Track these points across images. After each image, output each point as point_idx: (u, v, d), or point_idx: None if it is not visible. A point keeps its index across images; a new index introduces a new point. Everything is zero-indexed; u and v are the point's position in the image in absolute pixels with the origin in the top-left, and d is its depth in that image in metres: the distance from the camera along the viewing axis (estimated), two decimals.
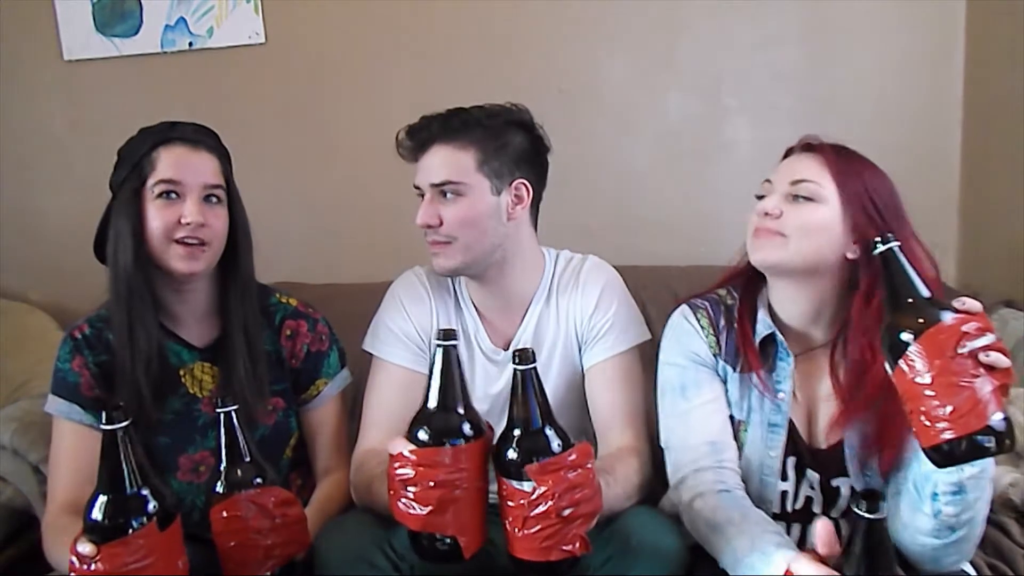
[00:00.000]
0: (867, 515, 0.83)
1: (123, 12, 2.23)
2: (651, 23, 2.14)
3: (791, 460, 1.22)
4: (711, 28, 2.13)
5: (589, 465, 0.95)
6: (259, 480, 1.04)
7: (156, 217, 1.23)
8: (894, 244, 0.97)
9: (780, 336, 1.21)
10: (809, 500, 1.22)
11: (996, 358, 0.89)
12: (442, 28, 2.18)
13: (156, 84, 2.25)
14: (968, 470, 1.00)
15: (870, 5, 2.08)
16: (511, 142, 1.34)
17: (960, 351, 0.89)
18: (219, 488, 1.04)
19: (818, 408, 1.22)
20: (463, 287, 1.44)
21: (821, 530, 0.91)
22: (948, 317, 0.91)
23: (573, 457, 0.94)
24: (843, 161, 1.16)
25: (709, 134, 2.18)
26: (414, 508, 0.95)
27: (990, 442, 0.89)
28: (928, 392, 0.90)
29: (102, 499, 0.92)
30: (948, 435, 0.89)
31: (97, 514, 0.92)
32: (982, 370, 0.89)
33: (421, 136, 1.32)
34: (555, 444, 0.95)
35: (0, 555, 1.73)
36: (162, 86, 2.25)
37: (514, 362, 0.96)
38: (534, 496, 0.93)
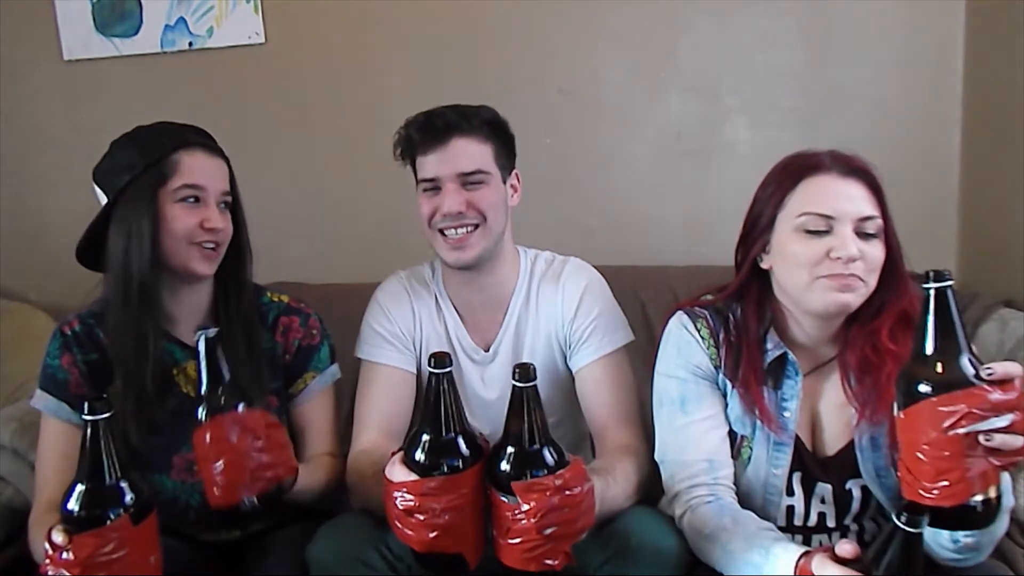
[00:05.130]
0: (908, 528, 0.83)
1: (123, 12, 2.23)
2: (651, 23, 2.14)
3: (796, 475, 1.20)
4: (711, 28, 2.13)
5: (578, 489, 0.94)
6: (241, 405, 1.03)
7: (179, 220, 1.23)
8: (948, 284, 0.88)
9: (792, 356, 1.18)
10: (822, 515, 1.20)
11: (1002, 441, 0.85)
12: (442, 28, 2.18)
13: (156, 84, 2.25)
14: None
15: (870, 5, 2.08)
16: (509, 139, 1.40)
17: (960, 430, 0.86)
18: (200, 415, 1.02)
19: (822, 417, 1.20)
20: (443, 288, 1.45)
21: (849, 549, 0.90)
22: (966, 383, 0.87)
23: (563, 479, 0.93)
24: (879, 187, 1.14)
25: (709, 134, 2.17)
26: (418, 533, 0.95)
27: (974, 514, 0.89)
28: (919, 454, 0.89)
29: (80, 488, 0.92)
30: (927, 502, 0.89)
31: (74, 504, 0.91)
32: (980, 450, 0.86)
33: (439, 128, 1.32)
34: (547, 463, 0.95)
35: (0, 555, 1.73)
36: (162, 86, 2.24)
37: (514, 378, 0.96)
38: (517, 512, 0.93)
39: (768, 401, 1.18)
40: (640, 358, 1.43)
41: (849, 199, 1.11)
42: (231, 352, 1.28)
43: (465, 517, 0.96)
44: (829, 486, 1.19)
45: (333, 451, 1.38)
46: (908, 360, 0.92)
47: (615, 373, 1.38)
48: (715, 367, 1.21)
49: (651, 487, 1.28)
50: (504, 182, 1.39)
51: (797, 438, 1.19)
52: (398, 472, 0.97)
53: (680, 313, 1.26)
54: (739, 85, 2.15)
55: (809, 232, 1.12)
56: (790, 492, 1.20)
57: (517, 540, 0.93)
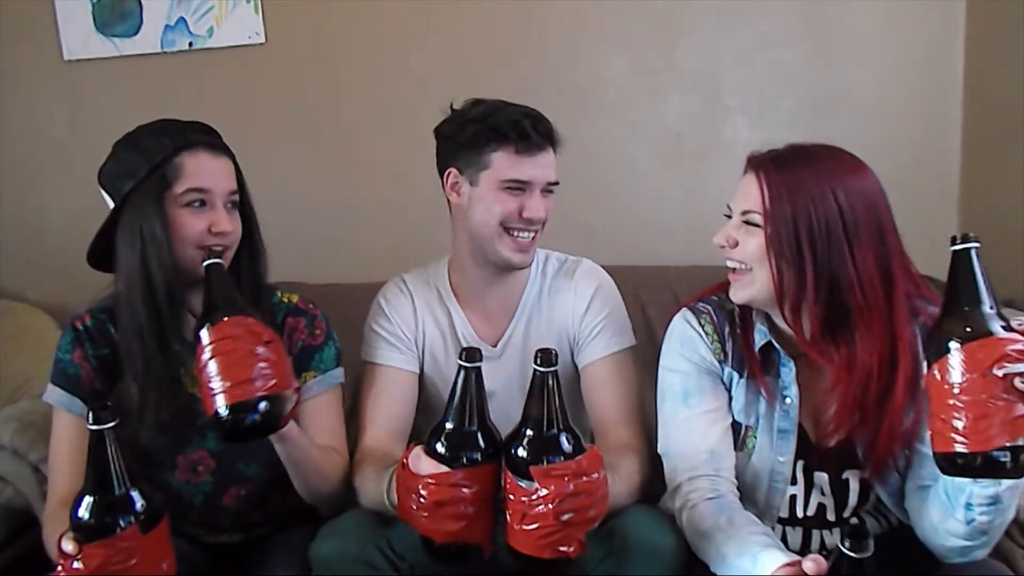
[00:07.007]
0: (852, 554, 0.83)
1: (123, 12, 2.23)
2: (651, 23, 2.14)
3: (800, 464, 1.21)
4: (711, 28, 2.13)
5: (595, 475, 0.95)
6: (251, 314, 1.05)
7: (187, 226, 1.21)
8: (972, 245, 0.93)
9: (777, 344, 1.19)
10: (822, 507, 1.21)
11: None
12: (442, 29, 2.18)
13: (156, 84, 2.25)
14: (1005, 482, 0.99)
15: (870, 5, 2.08)
16: None
17: (995, 371, 0.88)
18: (204, 328, 1.03)
19: (823, 406, 1.21)
20: (449, 287, 1.45)
21: (812, 566, 0.91)
22: (997, 333, 0.90)
23: (581, 464, 0.94)
24: (780, 181, 1.13)
25: (709, 134, 2.18)
26: (445, 524, 0.97)
27: (1005, 460, 0.88)
28: (953, 401, 0.90)
29: (88, 499, 0.92)
30: (960, 448, 0.89)
31: (83, 513, 0.91)
32: (1015, 395, 0.88)
33: (542, 134, 1.33)
34: (565, 449, 0.95)
35: (0, 555, 1.73)
36: (162, 86, 2.24)
37: (536, 362, 0.97)
38: (534, 497, 0.93)
39: (772, 387, 1.20)
40: (640, 359, 1.43)
41: (739, 193, 1.19)
42: None
43: (486, 507, 0.99)
44: (826, 475, 1.20)
45: (338, 448, 1.34)
46: (939, 318, 0.95)
47: (621, 372, 1.38)
48: (719, 361, 1.23)
49: (651, 486, 1.28)
50: None
51: (801, 427, 1.20)
52: (426, 464, 0.98)
53: (684, 310, 1.27)
54: (739, 85, 2.15)
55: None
56: (794, 481, 1.21)
57: (533, 526, 0.94)
